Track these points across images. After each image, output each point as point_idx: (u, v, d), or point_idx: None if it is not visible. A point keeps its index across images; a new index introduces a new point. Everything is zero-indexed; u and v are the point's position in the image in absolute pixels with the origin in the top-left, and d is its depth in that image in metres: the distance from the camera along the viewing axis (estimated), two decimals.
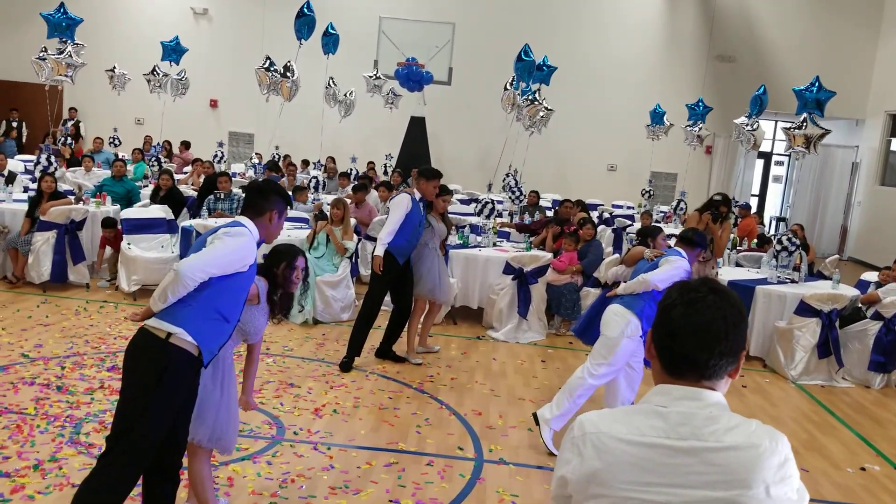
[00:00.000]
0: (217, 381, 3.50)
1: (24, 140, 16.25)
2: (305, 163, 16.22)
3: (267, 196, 3.38)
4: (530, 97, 12.23)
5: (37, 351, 6.20)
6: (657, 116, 15.90)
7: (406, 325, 6.79)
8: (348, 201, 8.83)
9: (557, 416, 5.09)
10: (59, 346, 6.37)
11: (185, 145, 16.16)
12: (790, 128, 8.82)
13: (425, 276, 6.67)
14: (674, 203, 14.65)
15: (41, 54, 9.67)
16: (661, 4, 17.72)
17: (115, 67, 15.30)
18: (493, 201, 9.39)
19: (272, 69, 10.82)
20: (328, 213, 8.45)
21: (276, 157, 15.31)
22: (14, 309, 7.39)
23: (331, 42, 12.40)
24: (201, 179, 11.51)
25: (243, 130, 18.15)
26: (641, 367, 5.34)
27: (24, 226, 8.27)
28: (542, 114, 12.27)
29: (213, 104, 18.08)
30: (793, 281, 8.06)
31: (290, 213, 9.91)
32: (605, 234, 11.78)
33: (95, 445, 4.56)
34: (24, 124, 16.53)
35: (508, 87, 12.65)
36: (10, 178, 9.98)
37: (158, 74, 14.86)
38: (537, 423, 5.15)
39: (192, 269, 3.02)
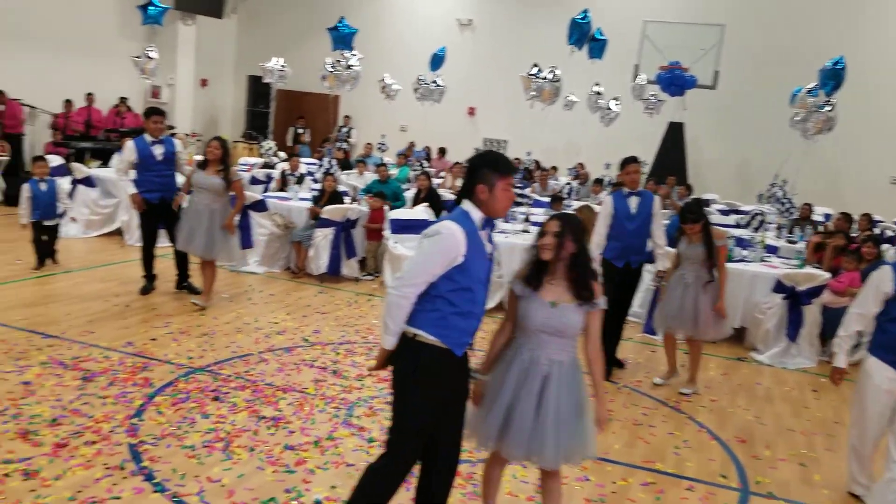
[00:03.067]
0: (532, 393, 3.36)
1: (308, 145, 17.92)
2: (555, 168, 16.27)
3: (474, 171, 3.21)
4: (824, 104, 11.41)
5: (315, 336, 6.78)
6: None
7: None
8: (596, 209, 8.68)
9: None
10: (334, 334, 6.91)
11: (442, 152, 16.91)
12: None
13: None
14: None
15: (328, 66, 10.57)
16: None
17: (384, 78, 16.40)
18: (762, 213, 8.74)
19: (538, 76, 10.97)
20: None
21: (530, 162, 15.54)
22: (296, 297, 8.14)
23: (597, 48, 12.33)
24: (458, 182, 11.96)
25: (498, 137, 18.61)
26: None
27: (311, 214, 9.08)
28: (828, 122, 11.40)
29: (471, 112, 18.72)
30: None
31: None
32: (888, 254, 10.51)
33: (366, 429, 4.87)
34: (308, 131, 18.23)
35: (801, 92, 11.84)
36: (300, 179, 11.04)
37: (423, 83, 15.70)
38: None
39: (397, 291, 3.09)
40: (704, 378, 6.65)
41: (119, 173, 7.45)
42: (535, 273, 3.42)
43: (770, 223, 11.08)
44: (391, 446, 3.27)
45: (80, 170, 10.19)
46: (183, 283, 7.71)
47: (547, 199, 12.11)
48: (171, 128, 15.86)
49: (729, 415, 5.87)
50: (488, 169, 3.16)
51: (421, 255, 3.10)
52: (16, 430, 4.34)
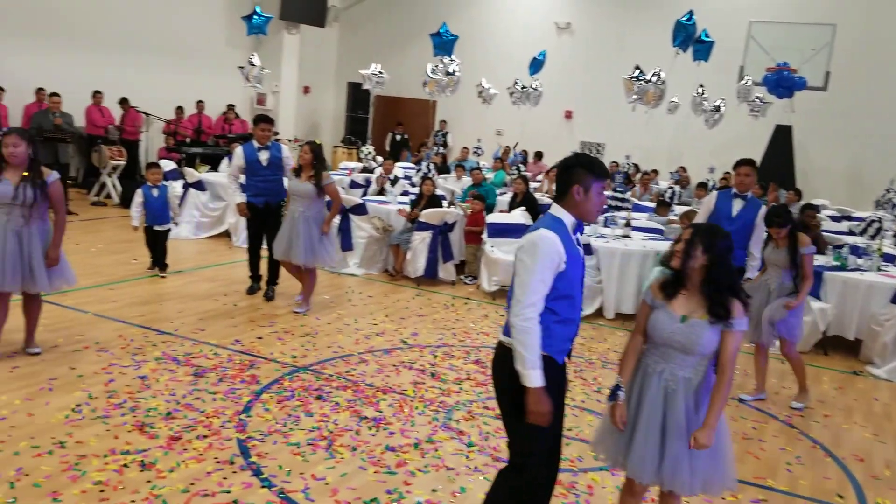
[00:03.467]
0: (655, 409, 3.19)
1: (405, 149, 18.13)
2: (655, 172, 15.90)
3: (569, 171, 3.13)
4: None
5: (413, 339, 6.84)
6: None
7: None
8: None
9: None
10: (432, 337, 6.95)
11: (538, 156, 16.79)
12: None
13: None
14: None
15: (429, 72, 10.65)
16: None
17: (481, 82, 16.43)
18: (878, 219, 8.28)
19: (640, 78, 10.76)
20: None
21: (628, 166, 15.25)
22: (394, 299, 8.24)
23: (703, 49, 12.00)
24: (555, 187, 11.84)
25: (594, 140, 18.35)
26: None
27: (407, 217, 9.16)
28: None
29: (568, 115, 18.53)
30: None
31: (648, 223, 9.76)
32: None
33: (465, 433, 4.87)
34: (406, 136, 18.46)
35: None
36: (394, 182, 11.19)
37: (519, 87, 15.66)
38: None
39: (520, 319, 2.98)
40: (817, 392, 6.34)
41: (230, 178, 7.72)
42: (669, 282, 3.25)
43: (887, 230, 10.48)
44: (523, 467, 3.20)
45: (192, 174, 10.64)
46: (269, 286, 7.74)
47: (648, 204, 11.87)
48: (275, 134, 16.40)
49: (844, 431, 5.58)
50: (584, 170, 3.11)
51: (526, 273, 3.00)
52: (133, 422, 4.55)
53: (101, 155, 12.26)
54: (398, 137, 18.30)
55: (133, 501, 3.69)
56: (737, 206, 6.16)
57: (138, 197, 8.10)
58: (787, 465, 4.88)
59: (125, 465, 4.02)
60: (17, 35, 12.41)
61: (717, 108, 14.83)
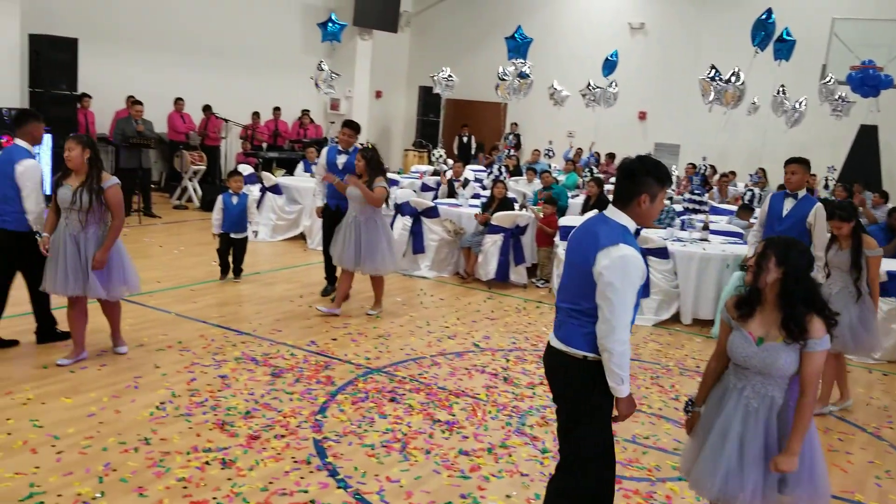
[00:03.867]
0: (732, 426, 3.07)
1: (472, 152, 18.17)
2: (733, 173, 15.49)
3: (635, 180, 3.05)
4: None
5: (485, 342, 6.83)
6: None
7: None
8: None
9: None
10: (504, 340, 6.93)
11: (611, 157, 16.58)
12: None
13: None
14: None
15: (501, 75, 10.64)
16: None
17: (553, 84, 16.33)
18: None
19: (717, 78, 10.51)
20: None
21: (704, 168, 14.90)
22: (465, 302, 8.25)
23: (784, 49, 11.65)
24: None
25: (669, 141, 18.00)
26: None
27: (481, 219, 9.15)
28: None
29: (642, 116, 18.24)
30: None
31: (727, 227, 9.52)
32: None
33: (539, 439, 4.83)
34: (472, 138, 18.50)
35: None
36: (465, 184, 11.21)
37: (593, 89, 15.49)
38: None
39: (619, 344, 2.94)
40: None
41: (316, 178, 7.88)
42: (744, 300, 3.11)
43: None
44: (588, 470, 3.21)
45: (268, 178, 10.88)
46: (328, 289, 7.86)
47: (726, 207, 11.58)
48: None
49: None
50: (652, 179, 3.05)
51: (617, 295, 2.93)
52: (214, 420, 4.68)
53: (182, 160, 12.67)
54: (465, 140, 18.33)
55: (214, 498, 3.79)
56: (788, 205, 6.07)
57: (219, 203, 8.14)
58: (877, 478, 4.68)
59: (207, 463, 4.13)
60: (106, 46, 12.93)
61: (798, 108, 14.35)
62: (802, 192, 6.07)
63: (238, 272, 8.23)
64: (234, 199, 8.14)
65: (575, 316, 3.09)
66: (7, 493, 3.67)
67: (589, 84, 15.85)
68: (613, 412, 3.19)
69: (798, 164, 6.02)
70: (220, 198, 8.23)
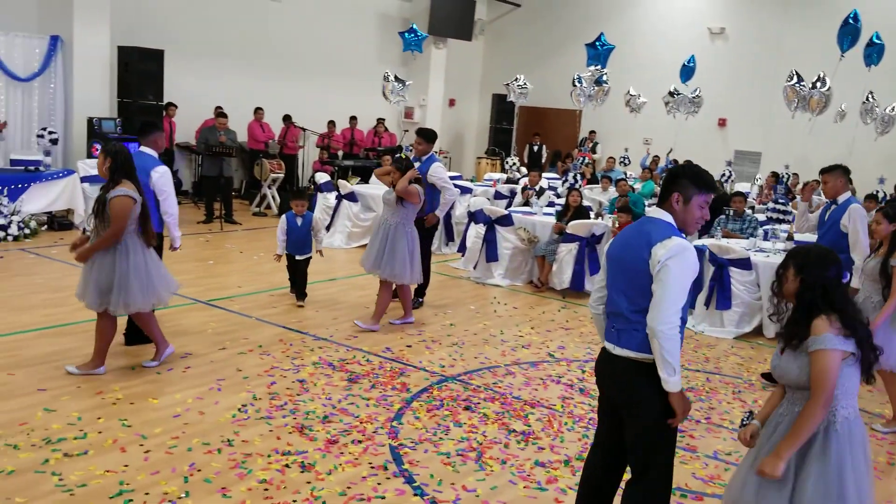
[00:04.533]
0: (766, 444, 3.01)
1: (542, 160, 18.03)
2: (817, 182, 14.96)
3: (673, 179, 3.16)
4: None
5: (560, 352, 6.76)
6: None
7: None
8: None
9: None
10: (579, 350, 6.85)
11: None
12: None
13: None
14: None
15: (580, 83, 10.55)
16: None
17: (629, 90, 16.12)
18: None
19: (800, 84, 10.19)
20: None
21: (786, 176, 14.46)
22: (539, 311, 8.19)
23: (874, 53, 11.23)
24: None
25: (750, 149, 17.52)
26: None
27: (556, 228, 9.09)
28: None
29: (722, 123, 17.81)
30: None
31: (814, 237, 9.17)
32: None
33: None
34: (543, 146, 18.34)
35: None
36: (540, 193, 11.15)
37: (675, 95, 15.23)
38: None
39: (668, 326, 2.94)
40: None
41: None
42: (775, 311, 3.14)
43: None
44: (661, 473, 3.20)
45: (344, 186, 11.05)
46: (419, 296, 7.86)
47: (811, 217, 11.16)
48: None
49: None
50: (688, 180, 3.13)
51: (674, 279, 2.97)
52: (293, 424, 4.76)
53: (262, 168, 12.98)
54: (535, 148, 18.22)
55: (294, 501, 3.86)
56: (828, 213, 6.22)
57: (283, 223, 7.65)
58: None
59: (287, 466, 4.21)
60: (190, 57, 13.38)
61: (889, 115, 13.76)
62: (844, 198, 6.13)
63: (302, 295, 7.67)
64: (299, 221, 7.68)
65: (636, 319, 3.08)
66: (98, 490, 3.81)
67: (671, 90, 15.57)
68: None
69: (828, 174, 6.20)
70: (283, 217, 7.75)
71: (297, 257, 7.66)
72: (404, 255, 6.77)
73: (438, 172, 7.43)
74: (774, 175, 13.69)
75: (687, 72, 14.94)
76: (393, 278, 6.86)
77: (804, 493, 2.82)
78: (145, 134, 5.97)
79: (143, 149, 5.89)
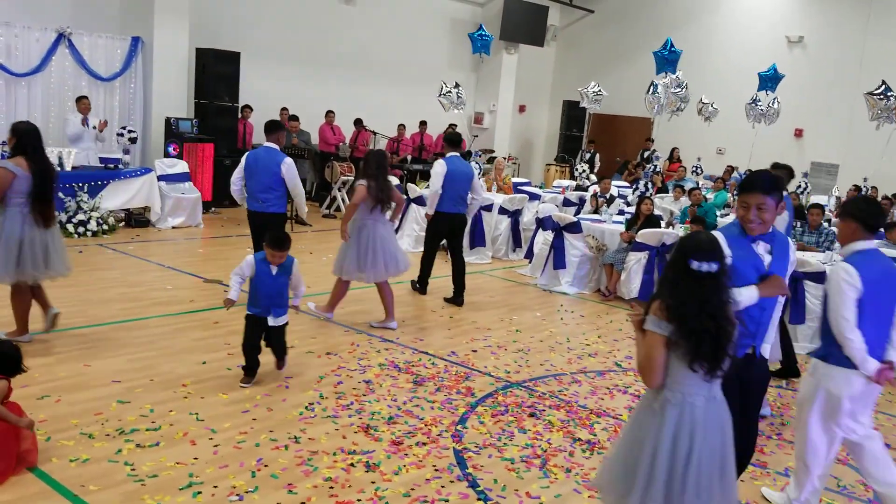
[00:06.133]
0: None
1: (596, 169, 17.54)
2: None
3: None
4: None
5: (627, 362, 6.64)
6: None
7: None
8: None
9: None
10: None
11: None
12: None
13: None
14: None
15: (653, 90, 10.38)
16: None
17: (701, 98, 15.78)
18: None
19: (887, 94, 9.81)
20: None
21: (866, 189, 13.92)
22: (607, 320, 8.07)
23: None
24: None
25: (827, 161, 16.94)
26: None
27: (625, 237, 8.98)
28: None
29: (798, 133, 17.27)
30: None
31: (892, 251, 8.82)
32: None
33: None
34: (597, 155, 17.90)
35: None
36: (610, 200, 11.00)
37: (756, 104, 14.89)
38: None
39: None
40: None
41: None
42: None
43: None
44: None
45: (413, 190, 11.11)
46: (458, 297, 8.08)
47: None
48: (491, 151, 16.75)
49: None
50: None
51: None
52: (359, 423, 4.79)
53: (332, 170, 13.17)
54: (587, 156, 17.84)
55: (359, 500, 3.88)
56: None
57: (246, 265, 5.69)
58: None
59: (352, 465, 4.23)
60: (265, 60, 13.67)
61: None
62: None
63: (282, 362, 5.63)
64: (274, 270, 5.82)
65: None
66: (168, 482, 3.90)
67: (753, 99, 15.18)
68: None
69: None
70: (249, 258, 5.55)
71: (270, 322, 5.38)
72: (369, 257, 6.65)
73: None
74: (857, 188, 13.21)
75: (768, 80, 14.51)
76: (365, 279, 6.80)
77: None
78: (270, 132, 6.98)
79: (269, 144, 6.92)
